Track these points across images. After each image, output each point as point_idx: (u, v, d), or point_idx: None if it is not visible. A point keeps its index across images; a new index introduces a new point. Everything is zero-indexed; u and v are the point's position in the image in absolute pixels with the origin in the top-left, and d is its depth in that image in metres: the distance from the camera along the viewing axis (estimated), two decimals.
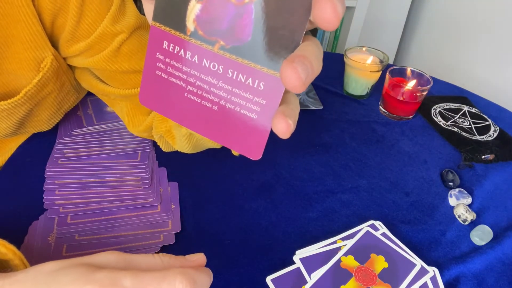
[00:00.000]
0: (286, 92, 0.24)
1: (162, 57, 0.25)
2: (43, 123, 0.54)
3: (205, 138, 0.46)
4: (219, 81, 0.24)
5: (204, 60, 0.24)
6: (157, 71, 0.26)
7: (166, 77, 0.26)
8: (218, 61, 0.24)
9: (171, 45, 0.25)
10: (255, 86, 0.23)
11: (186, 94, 0.26)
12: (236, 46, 0.23)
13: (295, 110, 0.24)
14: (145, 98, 0.27)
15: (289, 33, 0.21)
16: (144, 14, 0.50)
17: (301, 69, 0.20)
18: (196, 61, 0.25)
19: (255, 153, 0.25)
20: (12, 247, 0.35)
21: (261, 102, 0.24)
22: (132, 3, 0.49)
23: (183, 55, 0.25)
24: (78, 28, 0.45)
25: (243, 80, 0.24)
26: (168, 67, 0.25)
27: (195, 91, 0.25)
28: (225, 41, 0.23)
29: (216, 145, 0.48)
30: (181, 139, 0.48)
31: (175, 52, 0.25)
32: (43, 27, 0.45)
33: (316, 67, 0.21)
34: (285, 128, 0.22)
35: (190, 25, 0.24)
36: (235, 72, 0.24)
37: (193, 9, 0.23)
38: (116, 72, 0.48)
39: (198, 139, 0.47)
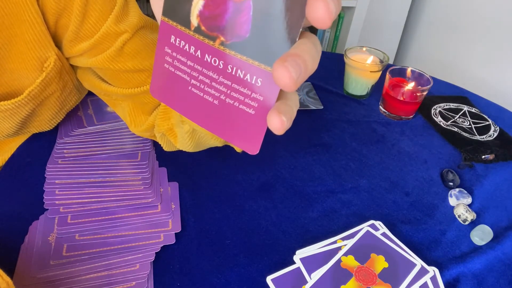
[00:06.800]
0: None
1: (169, 51, 0.26)
2: (45, 123, 0.54)
3: (207, 135, 0.46)
4: (220, 76, 0.25)
5: (206, 55, 0.25)
6: (165, 64, 0.27)
7: (173, 70, 0.27)
8: (218, 57, 0.24)
9: (178, 39, 0.26)
10: (253, 82, 0.24)
11: (190, 87, 0.26)
12: (235, 42, 0.24)
13: (292, 107, 0.23)
14: (155, 89, 0.28)
15: (285, 30, 0.22)
16: (146, 14, 0.50)
17: (293, 69, 0.20)
18: (199, 56, 0.25)
19: (253, 148, 0.26)
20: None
21: (259, 98, 0.24)
22: (135, 3, 0.49)
23: (187, 50, 0.26)
24: (81, 28, 0.45)
25: (241, 76, 0.24)
26: (175, 60, 0.26)
27: (198, 85, 0.26)
28: (225, 37, 0.24)
29: (218, 143, 0.49)
30: (184, 137, 0.48)
31: (181, 46, 0.26)
32: (46, 27, 0.45)
33: (310, 65, 0.21)
34: (278, 124, 0.22)
35: (194, 20, 0.24)
36: (234, 68, 0.24)
37: (197, 5, 0.24)
38: (119, 71, 0.48)
39: (200, 137, 0.48)
